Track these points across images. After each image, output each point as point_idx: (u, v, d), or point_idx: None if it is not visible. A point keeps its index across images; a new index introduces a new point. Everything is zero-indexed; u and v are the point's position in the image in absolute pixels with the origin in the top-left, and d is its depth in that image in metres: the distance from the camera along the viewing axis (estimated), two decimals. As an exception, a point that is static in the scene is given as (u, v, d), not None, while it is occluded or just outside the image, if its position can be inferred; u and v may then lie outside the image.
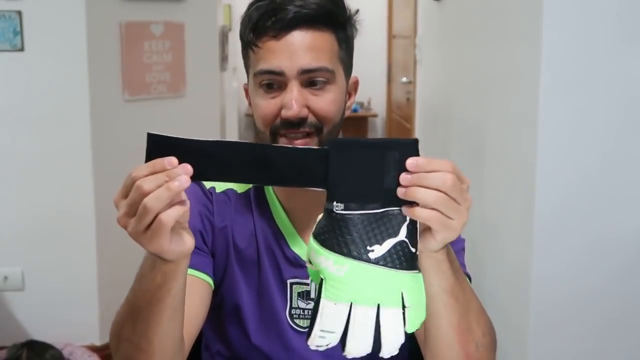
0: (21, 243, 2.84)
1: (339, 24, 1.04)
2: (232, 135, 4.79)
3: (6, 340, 2.69)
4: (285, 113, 1.00)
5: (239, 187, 1.13)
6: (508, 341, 1.85)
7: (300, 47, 0.99)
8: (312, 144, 1.02)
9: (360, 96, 6.06)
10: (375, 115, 6.12)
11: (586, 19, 1.64)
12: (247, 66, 1.07)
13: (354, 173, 0.75)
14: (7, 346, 2.60)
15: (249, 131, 6.13)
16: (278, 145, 0.78)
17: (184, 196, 0.79)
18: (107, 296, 2.87)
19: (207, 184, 1.12)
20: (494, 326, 1.01)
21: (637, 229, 1.68)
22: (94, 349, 2.81)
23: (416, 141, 0.76)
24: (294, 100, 0.99)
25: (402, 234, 0.76)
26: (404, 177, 0.75)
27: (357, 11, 1.09)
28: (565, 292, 1.72)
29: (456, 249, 1.11)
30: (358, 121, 5.98)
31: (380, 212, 0.76)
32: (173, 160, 0.76)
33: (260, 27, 1.00)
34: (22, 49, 2.72)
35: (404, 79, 4.43)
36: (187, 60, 3.11)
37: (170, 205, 0.77)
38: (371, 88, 5.83)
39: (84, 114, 2.78)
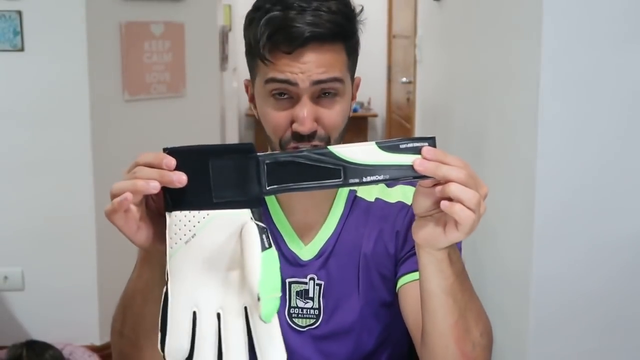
0: (21, 243, 2.84)
1: (350, 36, 1.04)
2: (232, 135, 4.79)
3: (6, 340, 2.69)
4: (297, 127, 1.00)
5: None
6: (507, 344, 1.85)
7: (313, 64, 0.99)
8: None
9: (360, 96, 6.02)
10: (375, 115, 6.12)
11: (586, 18, 1.64)
12: (252, 67, 1.07)
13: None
14: (7, 346, 2.60)
15: (249, 131, 6.13)
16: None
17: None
18: (107, 296, 2.87)
19: None
20: (492, 326, 1.02)
21: (638, 231, 1.68)
22: (94, 349, 2.82)
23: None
24: (306, 116, 0.99)
25: None
26: (420, 162, 0.78)
27: (362, 9, 1.09)
28: (565, 294, 1.72)
29: None
30: (358, 121, 5.98)
31: None
32: (172, 162, 0.77)
33: (273, 42, 0.99)
34: (22, 49, 2.72)
35: (404, 79, 4.43)
36: (187, 60, 3.11)
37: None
38: (371, 88, 5.83)
39: (84, 114, 2.78)
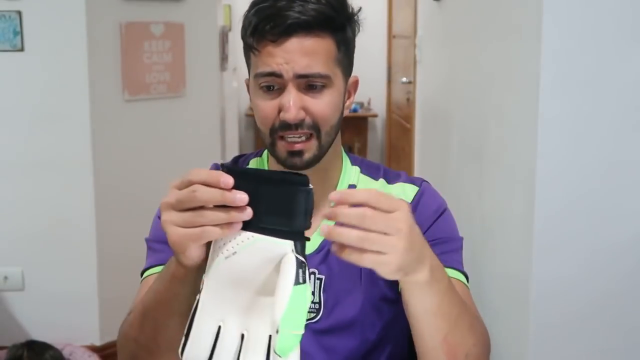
0: (21, 243, 2.84)
1: (338, 28, 1.05)
2: (232, 135, 4.79)
3: (6, 341, 2.69)
4: (283, 115, 1.02)
5: None
6: (507, 348, 1.85)
7: (298, 53, 1.00)
8: (312, 146, 1.04)
9: (360, 96, 6.05)
10: (375, 115, 6.12)
11: (587, 17, 1.63)
12: (248, 65, 1.10)
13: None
14: (7, 346, 2.60)
15: (249, 131, 6.12)
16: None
17: None
18: (107, 296, 2.86)
19: None
20: (488, 331, 1.02)
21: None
22: (94, 349, 2.81)
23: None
24: (292, 103, 1.01)
25: None
26: (326, 213, 0.78)
27: (360, 9, 1.10)
28: (566, 298, 1.71)
29: (453, 248, 1.12)
30: (358, 121, 5.98)
31: None
32: (229, 181, 0.77)
33: (260, 31, 1.01)
34: (22, 49, 2.72)
35: (404, 79, 4.43)
36: (187, 60, 3.11)
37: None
38: (371, 88, 5.82)
39: (84, 114, 2.78)
